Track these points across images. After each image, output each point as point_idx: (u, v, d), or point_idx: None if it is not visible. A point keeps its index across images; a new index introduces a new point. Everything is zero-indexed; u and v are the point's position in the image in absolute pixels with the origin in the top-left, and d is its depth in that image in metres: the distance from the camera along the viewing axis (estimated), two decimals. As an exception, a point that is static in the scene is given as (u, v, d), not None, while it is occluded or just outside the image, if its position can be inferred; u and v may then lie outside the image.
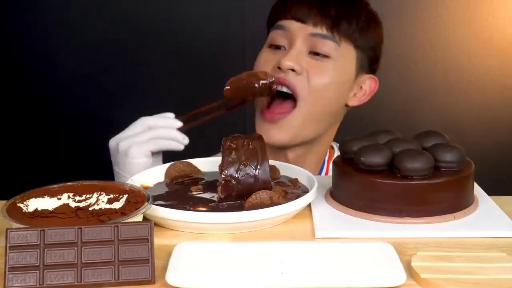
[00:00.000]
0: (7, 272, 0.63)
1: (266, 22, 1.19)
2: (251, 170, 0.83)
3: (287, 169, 0.96)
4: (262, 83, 1.05)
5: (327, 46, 1.09)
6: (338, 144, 1.27)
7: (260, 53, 1.15)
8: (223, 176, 0.83)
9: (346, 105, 1.16)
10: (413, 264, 0.67)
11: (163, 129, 1.00)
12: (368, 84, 1.17)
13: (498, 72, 1.89)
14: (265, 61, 1.12)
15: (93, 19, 1.86)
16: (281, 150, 1.14)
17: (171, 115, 1.03)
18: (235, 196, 0.84)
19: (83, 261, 0.64)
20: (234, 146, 0.84)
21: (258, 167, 0.83)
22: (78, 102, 1.90)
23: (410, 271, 0.67)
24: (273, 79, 1.06)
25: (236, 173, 0.83)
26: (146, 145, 0.99)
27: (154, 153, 1.01)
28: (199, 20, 1.83)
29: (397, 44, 1.87)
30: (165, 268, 0.66)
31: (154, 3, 1.85)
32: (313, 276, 0.65)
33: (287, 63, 1.06)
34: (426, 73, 1.89)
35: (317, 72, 1.08)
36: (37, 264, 0.64)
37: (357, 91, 1.16)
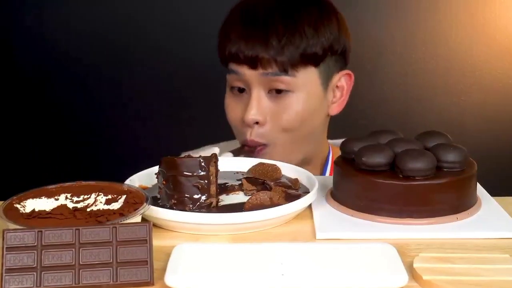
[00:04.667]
0: (4, 274, 0.63)
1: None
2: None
3: (288, 169, 0.96)
4: None
5: (284, 82, 1.07)
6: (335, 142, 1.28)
7: (225, 95, 1.15)
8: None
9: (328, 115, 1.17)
10: (415, 265, 0.67)
11: None
12: (343, 82, 1.15)
13: (501, 72, 1.89)
14: (232, 108, 1.12)
15: (96, 18, 1.86)
16: None
17: None
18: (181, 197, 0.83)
19: (81, 263, 0.64)
20: None
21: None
22: (77, 102, 1.90)
23: (412, 273, 0.66)
24: None
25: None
26: None
27: None
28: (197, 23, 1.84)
29: (398, 43, 1.88)
30: (164, 269, 0.66)
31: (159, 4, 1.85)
32: (313, 278, 0.65)
33: (251, 117, 1.07)
34: (428, 72, 1.89)
35: (280, 114, 1.08)
36: (35, 266, 0.63)
37: (334, 95, 1.15)
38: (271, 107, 1.09)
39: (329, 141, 1.24)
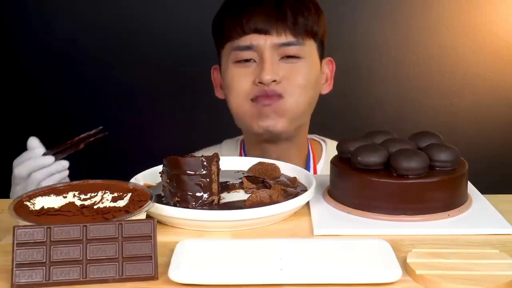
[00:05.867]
0: (14, 269, 0.64)
1: (212, 31, 1.19)
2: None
3: (286, 168, 0.97)
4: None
5: (295, 50, 1.13)
6: (325, 139, 1.30)
7: (226, 70, 1.16)
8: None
9: (320, 94, 1.22)
10: (408, 260, 0.68)
11: (41, 173, 0.99)
12: (328, 68, 1.23)
13: (491, 75, 1.91)
14: (239, 77, 1.13)
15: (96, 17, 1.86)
16: (266, 146, 1.18)
17: (39, 153, 1.01)
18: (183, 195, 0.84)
19: (88, 258, 0.65)
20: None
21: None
22: (80, 101, 1.90)
23: (406, 268, 0.67)
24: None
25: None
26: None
27: None
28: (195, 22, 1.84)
29: (392, 47, 1.89)
30: (167, 264, 0.67)
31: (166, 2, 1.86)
32: (311, 272, 0.66)
33: (268, 77, 1.10)
34: (421, 75, 1.91)
35: (293, 75, 1.13)
36: (44, 261, 0.64)
37: (323, 78, 1.22)
38: (283, 70, 1.12)
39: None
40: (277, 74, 1.11)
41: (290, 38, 1.12)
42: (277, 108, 1.12)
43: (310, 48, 1.15)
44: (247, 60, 1.13)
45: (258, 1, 1.13)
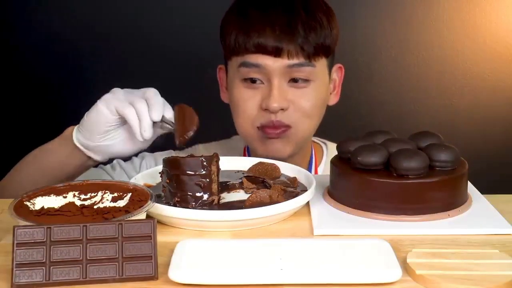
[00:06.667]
0: (14, 269, 0.64)
1: (219, 34, 1.13)
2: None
3: (286, 168, 0.97)
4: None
5: (305, 72, 1.08)
6: (326, 142, 1.29)
7: (232, 86, 1.11)
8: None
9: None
10: (408, 260, 0.68)
11: (139, 112, 0.92)
12: (336, 75, 1.19)
13: (490, 75, 1.91)
14: (245, 100, 1.09)
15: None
16: None
17: (159, 108, 0.94)
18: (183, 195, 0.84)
19: (88, 258, 0.65)
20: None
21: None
22: (81, 100, 1.90)
23: (406, 268, 0.67)
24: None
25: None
26: (117, 103, 0.97)
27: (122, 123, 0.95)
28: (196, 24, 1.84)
29: (392, 46, 1.89)
30: (167, 264, 0.67)
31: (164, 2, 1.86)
32: (311, 272, 0.66)
33: (275, 105, 1.06)
34: (421, 75, 1.91)
35: (301, 102, 1.09)
36: (44, 261, 0.64)
37: (331, 87, 1.18)
38: (291, 94, 1.09)
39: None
40: (285, 101, 1.07)
41: (301, 60, 1.06)
42: (283, 137, 1.10)
43: (320, 68, 1.10)
44: (254, 81, 1.09)
45: (268, 15, 1.07)
